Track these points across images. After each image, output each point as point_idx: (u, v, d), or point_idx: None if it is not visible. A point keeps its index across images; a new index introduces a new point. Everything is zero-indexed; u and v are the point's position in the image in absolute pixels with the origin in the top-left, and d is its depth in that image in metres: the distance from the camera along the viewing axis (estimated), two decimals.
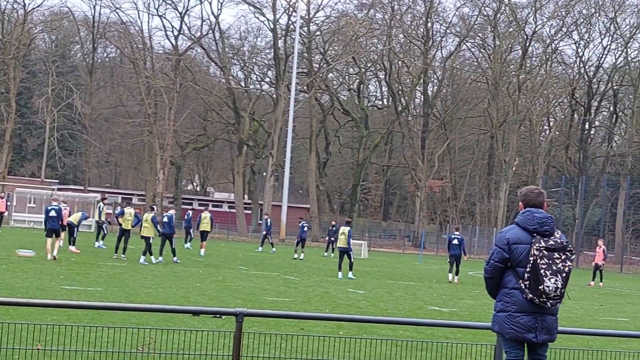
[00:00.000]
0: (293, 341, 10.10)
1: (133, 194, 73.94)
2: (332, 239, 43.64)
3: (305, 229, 38.72)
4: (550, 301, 7.02)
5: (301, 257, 37.07)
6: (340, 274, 26.35)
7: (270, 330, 11.71)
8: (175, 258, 27.16)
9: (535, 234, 7.12)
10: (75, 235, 29.26)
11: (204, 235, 33.55)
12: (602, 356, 9.43)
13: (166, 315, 12.61)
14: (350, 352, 9.23)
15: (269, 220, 42.43)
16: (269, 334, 10.26)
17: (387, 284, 24.65)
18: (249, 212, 70.03)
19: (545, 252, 7.01)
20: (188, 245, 36.59)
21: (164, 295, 16.69)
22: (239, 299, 16.84)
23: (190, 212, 34.90)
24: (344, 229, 27.07)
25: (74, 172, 79.95)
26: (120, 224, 27.35)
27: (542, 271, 6.96)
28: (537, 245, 7.03)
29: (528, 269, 7.03)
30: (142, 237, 26.31)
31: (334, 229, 43.60)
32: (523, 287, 7.05)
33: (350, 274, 26.38)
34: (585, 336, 13.09)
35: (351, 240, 26.95)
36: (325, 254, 42.71)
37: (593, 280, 33.64)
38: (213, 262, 29.14)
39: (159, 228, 26.41)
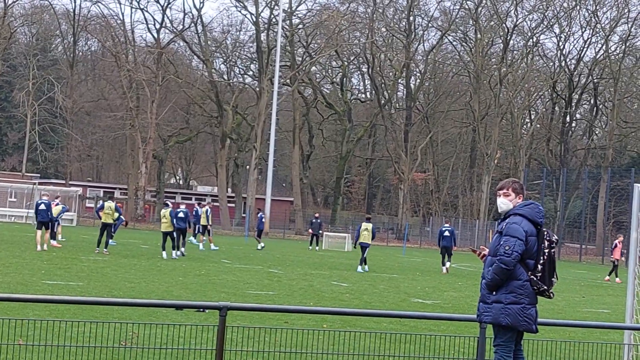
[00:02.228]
0: (277, 335, 10.09)
1: (115, 188, 73.64)
2: (318, 232, 43.69)
3: (263, 219, 38.95)
4: (553, 292, 7.35)
5: (260, 246, 37.29)
6: (366, 267, 27.21)
7: (254, 324, 11.69)
8: (183, 250, 27.93)
9: (539, 227, 7.32)
10: (55, 230, 29.18)
11: (203, 229, 34.27)
12: (584, 347, 9.48)
13: (149, 309, 12.57)
14: (334, 345, 9.24)
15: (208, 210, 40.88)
16: (252, 328, 10.24)
17: (371, 277, 24.69)
18: (233, 205, 69.94)
19: (554, 245, 7.32)
20: (194, 240, 36.50)
21: (147, 289, 16.63)
22: (223, 293, 16.81)
23: (198, 207, 35.31)
24: (367, 225, 27.75)
25: (55, 166, 79.48)
26: (101, 218, 27.36)
27: (554, 263, 7.28)
28: (552, 237, 7.31)
29: (542, 261, 7.21)
30: (163, 233, 26.66)
31: (318, 221, 43.77)
32: (535, 278, 7.19)
33: (359, 268, 27.17)
34: (567, 327, 13.18)
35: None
36: (310, 247, 42.71)
37: (617, 276, 33.11)
38: (196, 255, 29.08)
39: (174, 222, 26.70)
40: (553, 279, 7.25)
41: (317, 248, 42.52)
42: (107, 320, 10.58)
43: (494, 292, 7.24)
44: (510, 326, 7.19)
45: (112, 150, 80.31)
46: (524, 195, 7.55)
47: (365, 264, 27.44)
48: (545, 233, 7.28)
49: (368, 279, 23.70)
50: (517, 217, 7.32)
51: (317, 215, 46.05)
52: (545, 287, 7.21)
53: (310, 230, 44.51)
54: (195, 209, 35.01)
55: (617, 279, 32.69)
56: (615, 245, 33.85)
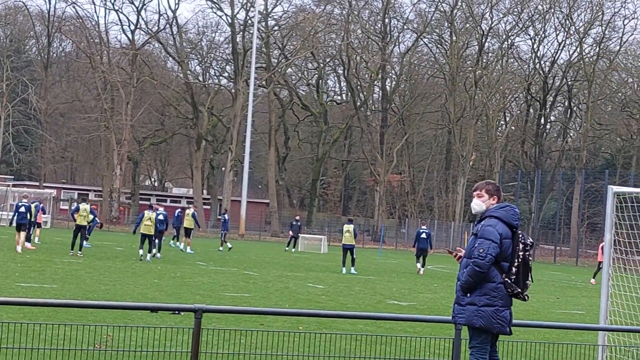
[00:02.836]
0: (252, 337, 10.07)
1: (89, 190, 73.13)
2: (297, 234, 43.68)
3: (227, 221, 39.07)
4: (527, 294, 7.35)
5: (229, 246, 37.24)
6: (344, 269, 27.33)
7: (230, 326, 11.66)
8: (159, 254, 27.93)
9: (514, 229, 7.32)
10: (30, 232, 28.95)
11: (187, 231, 33.89)
12: (558, 348, 9.54)
13: (124, 312, 12.49)
14: (310, 347, 9.23)
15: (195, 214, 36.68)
16: (228, 330, 10.20)
17: (347, 279, 24.71)
18: (208, 207, 69.68)
19: (528, 248, 7.31)
20: (177, 243, 36.22)
21: (122, 292, 16.54)
22: (198, 295, 16.75)
23: (179, 210, 35.33)
24: (349, 227, 27.95)
25: (29, 167, 78.81)
26: (76, 220, 27.18)
27: (529, 265, 7.29)
28: (527, 240, 7.32)
29: (516, 264, 7.22)
30: (144, 235, 26.50)
31: (298, 223, 43.81)
32: (509, 281, 7.21)
33: (352, 270, 27.22)
34: (542, 329, 13.25)
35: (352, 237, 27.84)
36: (287, 248, 42.71)
37: (594, 277, 33.03)
38: (171, 258, 28.95)
39: (157, 226, 27.07)
40: (527, 282, 7.27)
41: (293, 250, 42.52)
42: (82, 323, 10.50)
43: (468, 294, 7.26)
44: (484, 328, 7.21)
45: (87, 152, 79.73)
46: (500, 197, 7.54)
47: (344, 265, 27.52)
48: (521, 236, 7.30)
49: (344, 281, 23.72)
50: (492, 219, 7.34)
51: (297, 217, 46.16)
52: (519, 290, 7.22)
53: (290, 232, 44.53)
54: (176, 211, 35.09)
55: (593, 280, 32.78)
56: None
